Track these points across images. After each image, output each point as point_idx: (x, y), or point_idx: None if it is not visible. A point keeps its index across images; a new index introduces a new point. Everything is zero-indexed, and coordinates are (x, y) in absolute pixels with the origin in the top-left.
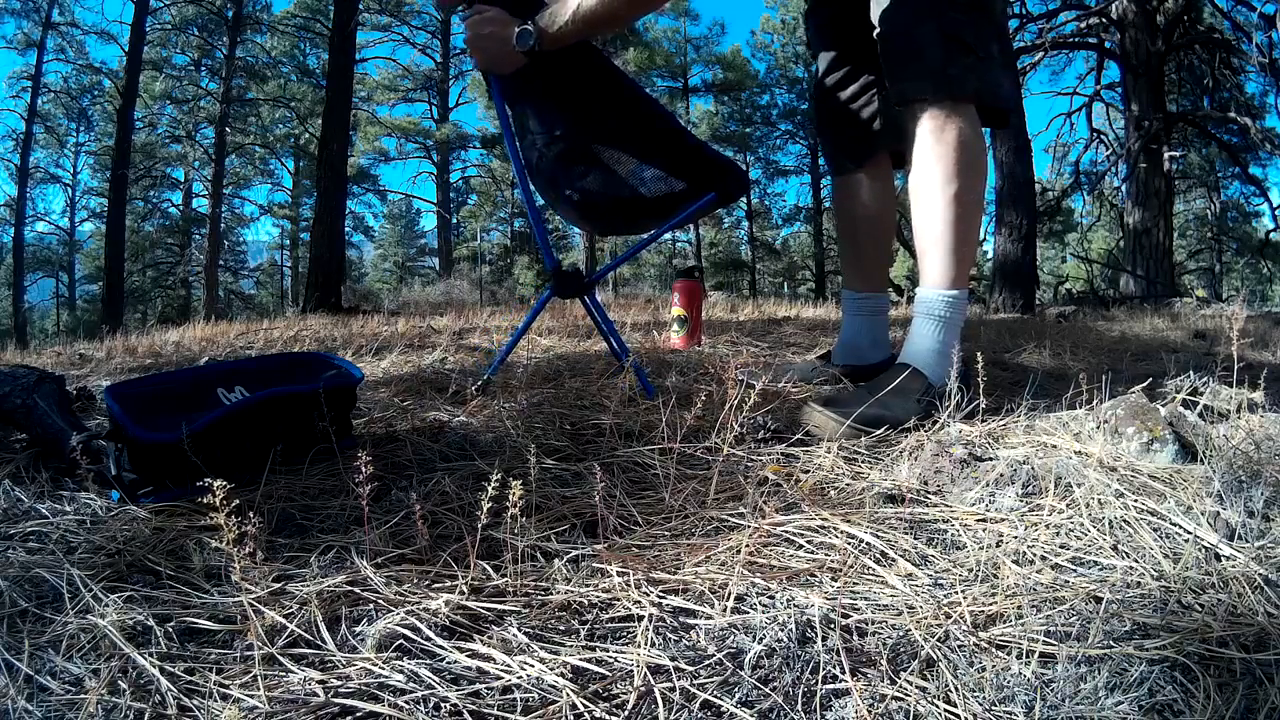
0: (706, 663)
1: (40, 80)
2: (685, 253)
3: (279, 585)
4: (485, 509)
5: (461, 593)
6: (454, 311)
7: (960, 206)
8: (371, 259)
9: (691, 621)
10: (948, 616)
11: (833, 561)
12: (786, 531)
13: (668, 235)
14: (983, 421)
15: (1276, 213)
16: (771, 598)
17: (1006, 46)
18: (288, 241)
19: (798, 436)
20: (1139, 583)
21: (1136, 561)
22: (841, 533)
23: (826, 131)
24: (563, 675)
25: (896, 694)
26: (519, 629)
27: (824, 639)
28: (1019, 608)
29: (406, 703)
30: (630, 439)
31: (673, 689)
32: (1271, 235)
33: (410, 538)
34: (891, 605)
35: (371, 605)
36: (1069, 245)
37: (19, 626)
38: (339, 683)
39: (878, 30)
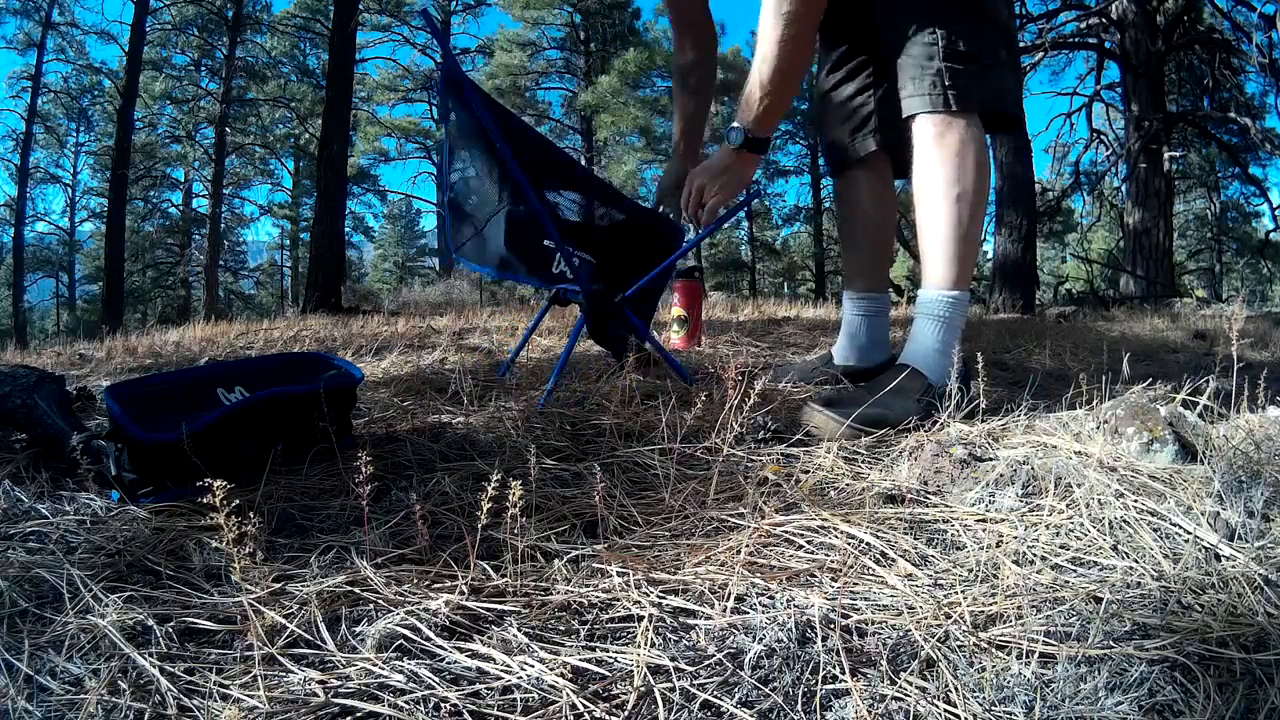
0: (706, 663)
1: (40, 80)
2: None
3: (279, 585)
4: (485, 509)
5: (461, 593)
6: (454, 311)
7: (962, 209)
8: (371, 259)
9: (691, 621)
10: (948, 616)
11: (833, 561)
12: (786, 531)
13: None
14: (983, 421)
15: (1276, 213)
16: (771, 598)
17: (1014, 49)
18: (288, 241)
19: (798, 436)
20: (1139, 583)
21: (1136, 562)
22: (841, 533)
23: (826, 129)
24: (563, 675)
25: (896, 694)
26: (519, 629)
27: (824, 639)
28: (1019, 608)
29: (406, 703)
30: (630, 439)
31: (673, 689)
32: (1271, 235)
33: (410, 538)
34: (891, 605)
35: (371, 605)
36: (1069, 245)
37: (19, 626)
38: (339, 683)
39: (888, 49)
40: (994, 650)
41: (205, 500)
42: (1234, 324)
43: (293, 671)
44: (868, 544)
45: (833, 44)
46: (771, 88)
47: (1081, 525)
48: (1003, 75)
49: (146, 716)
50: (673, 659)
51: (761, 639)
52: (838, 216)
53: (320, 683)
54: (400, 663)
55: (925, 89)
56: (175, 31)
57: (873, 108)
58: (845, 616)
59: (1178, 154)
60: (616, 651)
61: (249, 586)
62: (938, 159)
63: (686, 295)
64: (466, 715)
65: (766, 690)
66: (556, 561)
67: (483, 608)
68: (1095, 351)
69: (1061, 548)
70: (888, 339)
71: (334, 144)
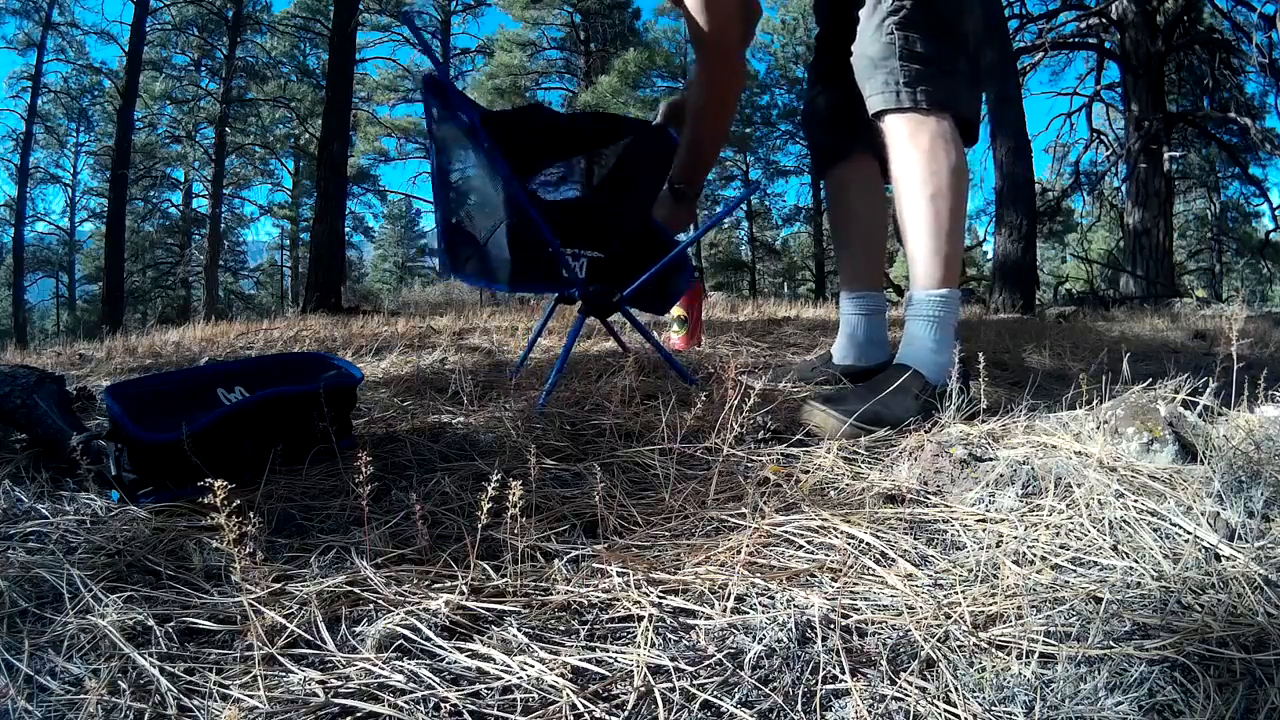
0: (706, 663)
1: (40, 80)
2: None
3: (279, 585)
4: (485, 509)
5: (461, 593)
6: (454, 311)
7: (939, 207)
8: (371, 259)
9: (691, 621)
10: (948, 616)
11: (833, 561)
12: (786, 532)
13: None
14: (983, 421)
15: (1276, 213)
16: (771, 598)
17: (975, 64)
18: (288, 241)
19: (798, 436)
20: (1139, 583)
21: (1136, 562)
22: (841, 533)
23: (813, 131)
24: (563, 675)
25: (896, 694)
26: (519, 629)
27: (824, 639)
28: (1019, 608)
29: (406, 703)
30: (630, 439)
31: (673, 689)
32: (1271, 235)
33: (410, 538)
34: (891, 605)
35: (371, 605)
36: (1069, 245)
37: (19, 626)
38: (339, 683)
39: (854, 53)
40: (994, 650)
41: (205, 500)
42: (1234, 324)
43: (293, 671)
44: (868, 544)
45: (822, 52)
46: (692, 151)
47: (1081, 525)
48: (958, 83)
49: (146, 716)
50: (673, 659)
51: (761, 639)
52: (829, 217)
53: (320, 683)
54: (400, 663)
55: (880, 86)
56: (175, 31)
57: (857, 110)
58: (845, 616)
59: (1178, 154)
60: (616, 651)
61: (249, 586)
62: (911, 159)
63: (686, 295)
64: (466, 715)
65: (766, 690)
66: (556, 561)
67: (483, 608)
68: (1095, 351)
69: (1061, 548)
70: (886, 338)
71: (334, 144)
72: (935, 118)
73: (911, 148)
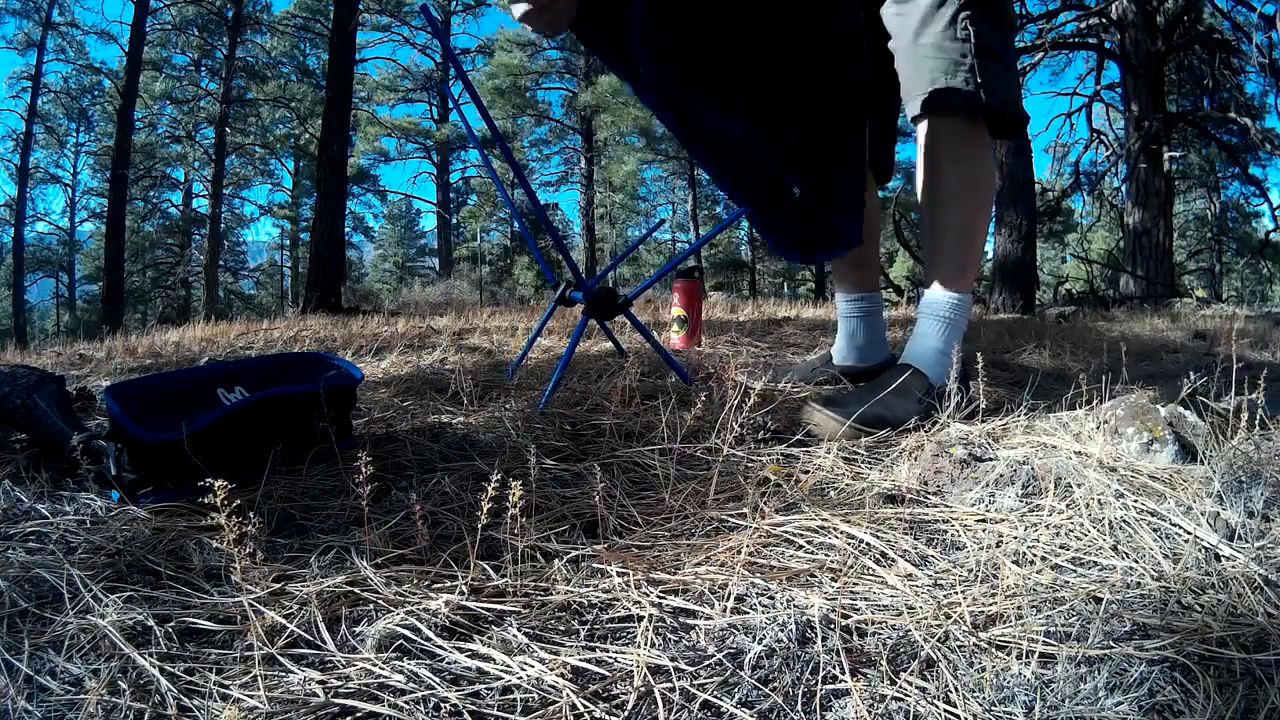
0: (706, 663)
1: (40, 80)
2: None
3: (279, 585)
4: (485, 509)
5: (461, 593)
6: (454, 312)
7: (969, 212)
8: (371, 259)
9: (691, 622)
10: (948, 617)
11: (833, 562)
12: (786, 532)
13: (667, 236)
14: (983, 421)
15: (1276, 213)
16: (771, 598)
17: (1015, 54)
18: (288, 241)
19: (798, 437)
20: (1139, 583)
21: (1136, 562)
22: (841, 533)
23: None
24: (563, 675)
25: (896, 694)
26: (519, 629)
27: (824, 639)
28: (1019, 608)
29: (406, 703)
30: (630, 439)
31: (673, 689)
32: (1271, 235)
33: (410, 538)
34: (891, 605)
35: (371, 605)
36: (1069, 245)
37: (19, 626)
38: (339, 683)
39: (905, 45)
40: (994, 650)
41: (205, 500)
42: (1234, 324)
43: (293, 671)
44: (868, 544)
45: None
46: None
47: (1081, 525)
48: (1014, 78)
49: (146, 716)
50: (673, 659)
51: (761, 639)
52: None
53: (320, 683)
54: (400, 663)
55: (959, 83)
56: (175, 31)
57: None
58: (845, 616)
59: (1178, 154)
60: (616, 651)
61: (249, 586)
62: (942, 162)
63: (686, 295)
64: (466, 715)
65: (766, 690)
66: (556, 561)
67: (483, 608)
68: (1095, 351)
69: (1061, 548)
70: (885, 337)
71: (334, 144)
72: (976, 121)
73: (949, 150)
